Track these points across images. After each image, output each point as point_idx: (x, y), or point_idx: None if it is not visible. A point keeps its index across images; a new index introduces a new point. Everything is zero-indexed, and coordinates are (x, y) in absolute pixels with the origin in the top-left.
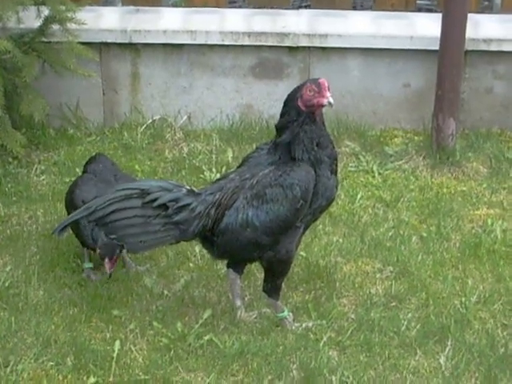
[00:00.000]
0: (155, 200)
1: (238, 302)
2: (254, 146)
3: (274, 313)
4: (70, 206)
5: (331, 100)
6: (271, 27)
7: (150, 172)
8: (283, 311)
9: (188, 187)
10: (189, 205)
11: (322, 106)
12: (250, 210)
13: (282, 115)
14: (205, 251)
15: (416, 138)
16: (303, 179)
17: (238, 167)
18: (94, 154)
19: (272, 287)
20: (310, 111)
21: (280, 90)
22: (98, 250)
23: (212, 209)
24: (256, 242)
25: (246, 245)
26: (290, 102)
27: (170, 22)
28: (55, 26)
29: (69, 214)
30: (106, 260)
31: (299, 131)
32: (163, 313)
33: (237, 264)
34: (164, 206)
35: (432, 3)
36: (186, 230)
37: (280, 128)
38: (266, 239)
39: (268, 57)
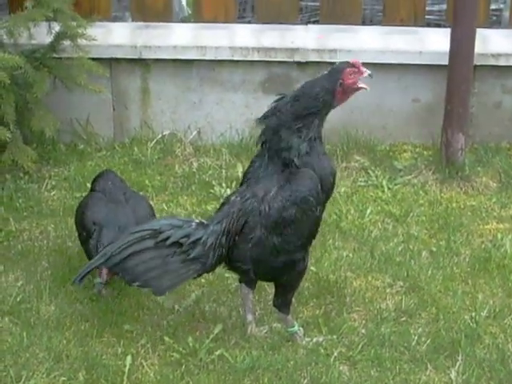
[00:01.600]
0: (167, 238)
1: (250, 317)
2: None
3: (284, 327)
4: (81, 227)
5: (369, 71)
6: (280, 43)
7: (160, 187)
8: (294, 325)
9: (197, 220)
10: (200, 239)
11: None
12: (275, 238)
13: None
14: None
15: (425, 152)
16: (311, 186)
17: (241, 184)
18: (102, 170)
19: (283, 301)
20: (346, 99)
21: None
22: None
23: (222, 238)
24: (291, 261)
25: (283, 267)
26: (321, 94)
27: (179, 38)
28: (66, 42)
29: (79, 232)
30: (104, 269)
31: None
32: (174, 328)
33: (250, 279)
34: (178, 243)
35: (441, 18)
36: (205, 263)
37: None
38: (299, 255)
39: (277, 72)
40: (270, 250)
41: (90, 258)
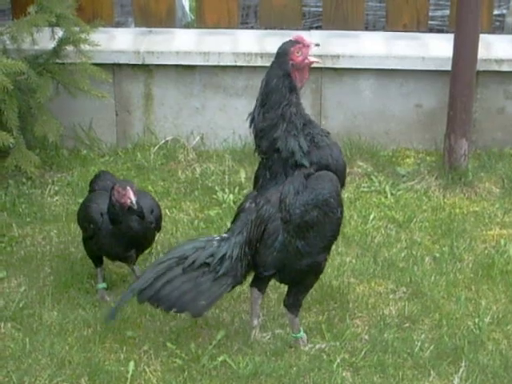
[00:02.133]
0: (194, 262)
1: (255, 322)
2: None
3: (290, 332)
4: (86, 219)
5: (314, 42)
6: None
7: (163, 192)
8: (299, 331)
9: (218, 237)
10: (225, 254)
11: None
12: (298, 241)
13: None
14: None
15: (428, 158)
16: (332, 188)
17: (254, 186)
18: (97, 172)
19: (294, 302)
20: (305, 76)
21: None
22: (115, 192)
23: (246, 247)
24: (315, 263)
25: (308, 269)
26: (281, 83)
27: (182, 44)
28: (69, 48)
29: (84, 227)
30: (128, 190)
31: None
32: (177, 334)
33: (262, 283)
34: (205, 264)
35: (444, 24)
36: (236, 275)
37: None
38: (322, 257)
39: None
40: (293, 254)
41: (91, 254)
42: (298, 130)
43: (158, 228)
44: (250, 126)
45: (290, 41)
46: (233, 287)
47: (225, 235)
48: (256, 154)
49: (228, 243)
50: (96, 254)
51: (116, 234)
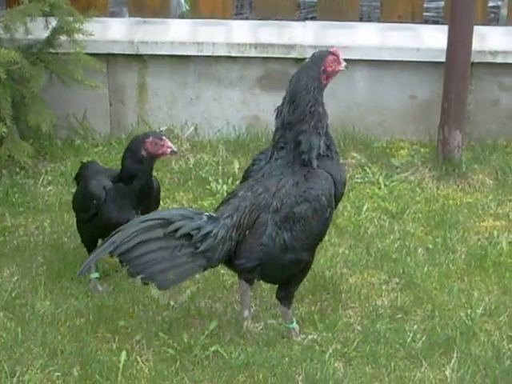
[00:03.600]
0: (178, 229)
1: (246, 313)
2: None
3: (281, 323)
4: (88, 197)
5: (345, 63)
6: (278, 39)
7: None
8: (292, 322)
9: (207, 213)
10: (211, 231)
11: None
12: (285, 233)
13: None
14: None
15: (422, 149)
16: (325, 187)
17: (241, 182)
18: (83, 163)
19: (286, 295)
20: (328, 82)
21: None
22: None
23: (233, 232)
24: (297, 260)
25: (289, 266)
26: (310, 83)
27: (177, 34)
28: (63, 37)
29: (84, 209)
30: (165, 139)
31: (311, 119)
32: (169, 324)
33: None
34: (187, 236)
35: (438, 15)
36: (212, 257)
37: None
38: (305, 254)
39: (274, 68)
40: (279, 247)
41: (89, 238)
42: (322, 131)
43: (158, 202)
44: (277, 118)
45: (329, 51)
46: (204, 269)
47: (213, 214)
48: (273, 144)
49: (216, 222)
50: (94, 238)
51: (125, 196)
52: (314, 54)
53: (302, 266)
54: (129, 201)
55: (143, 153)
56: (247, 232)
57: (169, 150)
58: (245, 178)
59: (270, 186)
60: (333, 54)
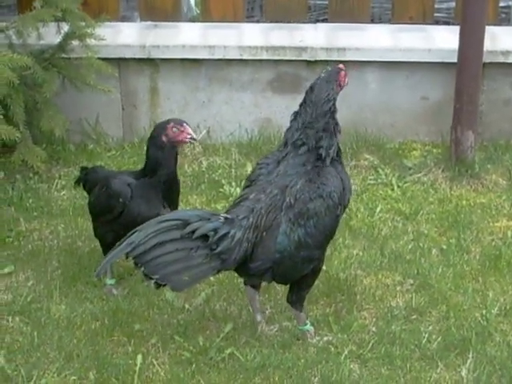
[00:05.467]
0: (195, 231)
1: (259, 317)
2: None
3: (296, 325)
4: (113, 196)
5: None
6: (289, 41)
7: None
8: (306, 324)
9: (224, 215)
10: (228, 233)
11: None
12: (299, 229)
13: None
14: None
15: (435, 150)
16: (336, 184)
17: (247, 187)
18: (90, 167)
19: (297, 298)
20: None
21: (298, 104)
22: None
23: (249, 233)
24: (309, 259)
25: (302, 264)
26: (332, 94)
27: (188, 37)
28: (75, 42)
29: (108, 210)
30: (186, 126)
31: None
32: (185, 327)
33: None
34: (203, 237)
35: (450, 16)
36: (228, 259)
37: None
38: (317, 253)
39: (286, 71)
40: (294, 244)
41: (111, 239)
42: (339, 133)
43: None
44: (294, 120)
45: (340, 67)
46: (219, 271)
47: (228, 216)
48: (292, 142)
49: (231, 224)
50: (118, 239)
51: (152, 190)
52: (329, 68)
53: (314, 266)
54: (155, 195)
55: (164, 139)
56: (264, 234)
57: (188, 136)
58: (251, 182)
59: (285, 186)
60: (344, 69)
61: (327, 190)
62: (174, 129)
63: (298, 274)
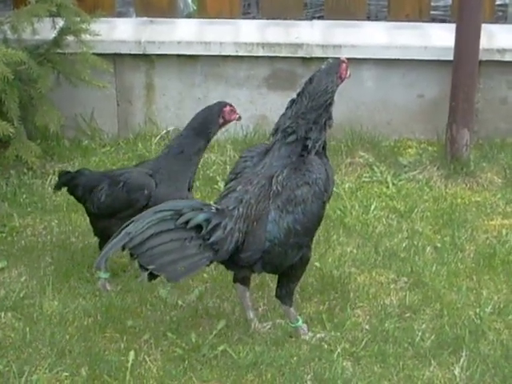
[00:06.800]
0: (189, 221)
1: (251, 315)
2: None
3: (288, 322)
4: (138, 189)
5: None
6: (285, 38)
7: None
8: (298, 320)
9: (215, 206)
10: (220, 223)
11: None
12: (287, 216)
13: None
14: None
15: (430, 148)
16: (321, 171)
17: (232, 180)
18: (75, 171)
19: (286, 292)
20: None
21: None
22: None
23: (240, 223)
24: (298, 246)
25: (292, 251)
26: (330, 86)
27: (184, 33)
28: (70, 38)
29: (131, 203)
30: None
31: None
32: (177, 323)
33: (244, 277)
34: (197, 227)
35: (446, 13)
36: (221, 249)
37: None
38: (305, 240)
39: (282, 68)
40: (283, 231)
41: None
42: (330, 128)
43: None
44: (289, 108)
45: (339, 59)
46: (211, 263)
47: (219, 207)
48: (283, 128)
49: (222, 214)
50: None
51: (180, 174)
52: (330, 60)
53: (303, 253)
54: (184, 179)
55: (219, 120)
56: (255, 223)
57: (237, 116)
58: (236, 175)
59: (271, 176)
60: (345, 62)
61: (313, 177)
62: (231, 109)
63: (287, 262)
